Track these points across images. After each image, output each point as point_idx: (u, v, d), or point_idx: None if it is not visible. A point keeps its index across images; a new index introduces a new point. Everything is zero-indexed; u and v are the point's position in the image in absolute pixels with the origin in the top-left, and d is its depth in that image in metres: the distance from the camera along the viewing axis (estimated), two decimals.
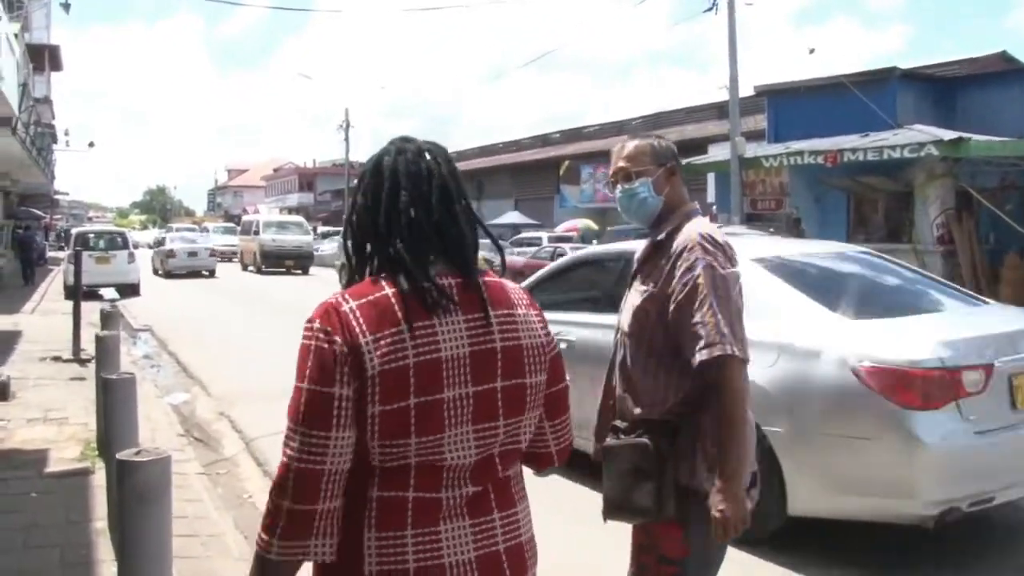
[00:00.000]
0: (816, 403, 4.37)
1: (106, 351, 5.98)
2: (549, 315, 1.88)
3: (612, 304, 5.11)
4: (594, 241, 26.55)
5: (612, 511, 2.55)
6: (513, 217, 34.83)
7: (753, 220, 20.67)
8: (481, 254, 1.78)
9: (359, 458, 1.55)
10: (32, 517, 4.87)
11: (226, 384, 9.45)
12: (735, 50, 19.28)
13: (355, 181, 1.79)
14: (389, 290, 1.56)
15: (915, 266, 13.25)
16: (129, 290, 20.69)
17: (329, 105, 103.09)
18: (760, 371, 4.08)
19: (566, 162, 34.11)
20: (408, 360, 1.52)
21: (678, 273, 2.42)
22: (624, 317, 2.65)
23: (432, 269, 1.59)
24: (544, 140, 43.39)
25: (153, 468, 2.69)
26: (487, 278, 1.68)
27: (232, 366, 10.58)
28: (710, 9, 19.49)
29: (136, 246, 25.88)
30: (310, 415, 1.51)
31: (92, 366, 9.35)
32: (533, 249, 24.38)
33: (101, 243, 22.61)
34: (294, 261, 31.36)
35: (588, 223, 30.13)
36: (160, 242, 32.85)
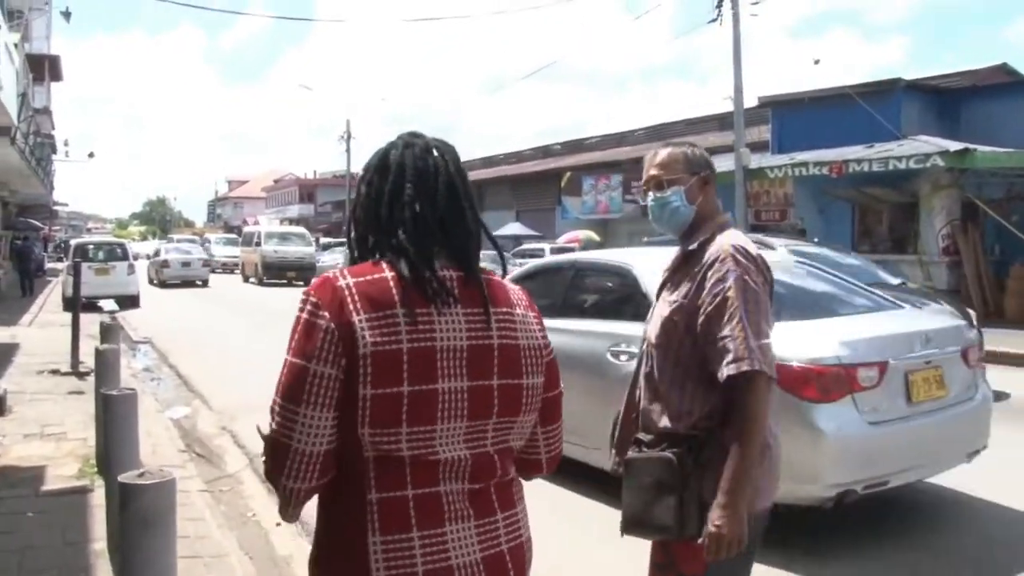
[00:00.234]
0: None
1: (106, 365, 5.82)
2: None
3: (561, 311, 5.85)
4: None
5: (631, 526, 2.47)
6: (515, 228, 34.63)
7: (757, 231, 20.60)
8: (483, 265, 1.72)
9: (352, 452, 1.52)
10: (28, 538, 4.70)
11: (228, 397, 9.27)
12: (739, 61, 19.19)
13: (360, 172, 1.75)
14: (389, 273, 1.55)
15: (921, 277, 13.08)
16: (129, 302, 20.50)
17: (330, 116, 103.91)
18: None
19: (567, 173, 33.96)
20: (402, 344, 1.50)
21: (708, 284, 2.37)
22: (652, 328, 2.58)
23: (435, 261, 1.58)
24: (545, 151, 43.29)
25: (157, 491, 2.54)
26: (488, 275, 1.66)
27: (233, 379, 10.41)
28: (714, 20, 19.39)
29: (136, 257, 25.75)
30: (286, 387, 1.51)
31: (91, 379, 9.19)
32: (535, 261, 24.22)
33: (100, 254, 22.44)
34: (296, 272, 31.15)
35: (590, 234, 29.98)
36: (157, 253, 33.32)
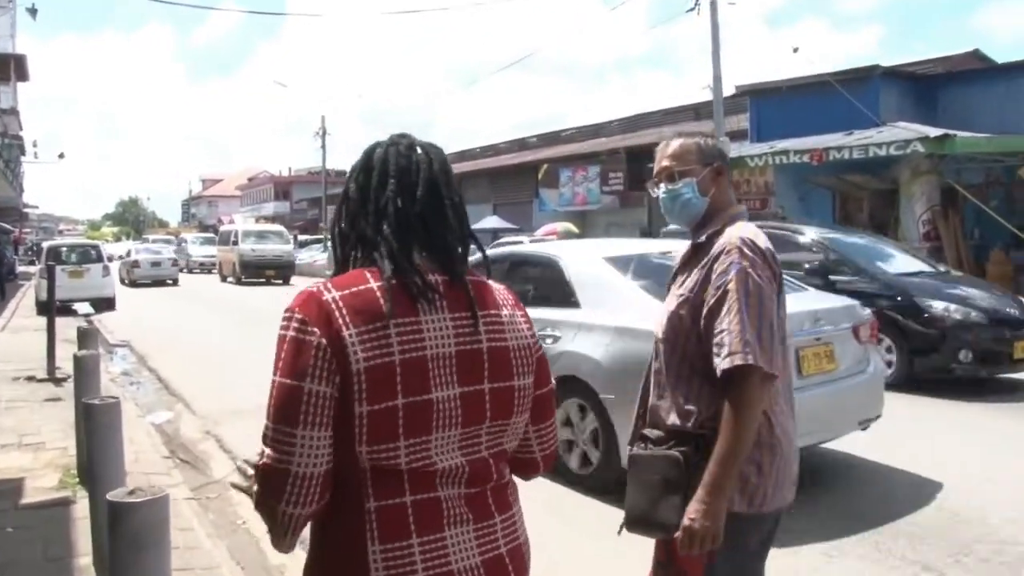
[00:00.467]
0: (638, 372, 4.82)
1: (85, 372, 5.64)
2: None
3: None
4: None
5: (633, 524, 2.41)
6: (492, 222, 34.43)
7: None
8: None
9: (348, 467, 1.49)
10: (8, 554, 4.50)
11: (210, 400, 9.08)
12: (718, 50, 19.14)
13: (345, 171, 1.68)
14: (374, 283, 1.52)
15: None
16: (104, 304, 20.15)
17: (304, 113, 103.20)
18: (600, 349, 5.44)
19: (544, 166, 33.86)
20: (394, 357, 1.47)
21: (713, 278, 2.31)
22: (660, 322, 2.50)
23: (417, 260, 1.57)
24: (522, 144, 43.15)
25: (149, 510, 2.39)
26: (472, 278, 1.64)
27: (215, 381, 10.21)
28: (692, 9, 19.32)
29: (111, 259, 25.38)
30: (279, 410, 1.47)
31: (68, 385, 8.97)
32: None
33: (74, 257, 22.03)
34: (275, 271, 30.87)
35: (568, 226, 29.90)
36: (128, 254, 33.77)
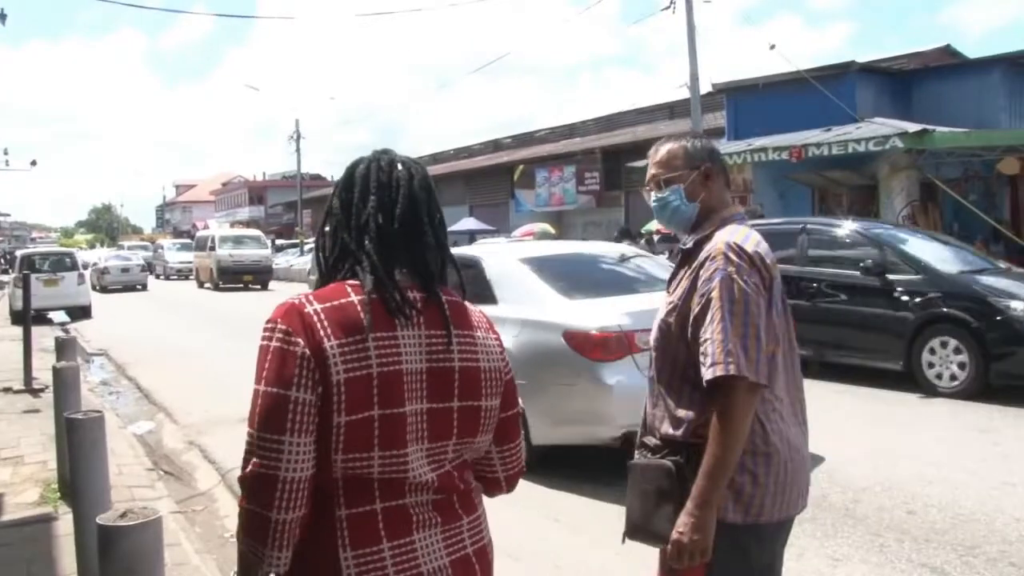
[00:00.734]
0: (543, 361, 5.88)
1: (65, 384, 5.49)
2: None
3: None
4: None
5: (632, 532, 2.37)
6: (469, 223, 34.26)
7: None
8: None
9: (321, 477, 1.52)
10: None
11: (193, 410, 8.92)
12: (695, 48, 19.16)
13: (322, 175, 1.62)
14: (355, 297, 1.56)
15: None
16: (80, 312, 19.90)
17: (278, 117, 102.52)
18: (509, 340, 5.57)
19: (520, 166, 33.78)
20: (372, 369, 1.51)
21: (699, 284, 2.25)
22: (653, 330, 2.45)
23: (398, 277, 1.60)
24: (496, 145, 43.01)
25: (142, 534, 2.27)
26: (449, 297, 1.67)
27: (197, 389, 10.05)
28: (668, 7, 19.29)
29: (85, 266, 25.05)
30: (265, 419, 1.49)
31: (46, 396, 8.81)
32: None
33: (48, 265, 21.73)
34: (253, 276, 30.46)
35: (545, 227, 29.82)
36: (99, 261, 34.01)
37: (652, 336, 2.44)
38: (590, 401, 5.72)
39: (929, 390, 8.60)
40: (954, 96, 18.71)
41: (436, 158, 47.54)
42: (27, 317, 10.40)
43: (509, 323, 5.85)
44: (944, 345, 8.63)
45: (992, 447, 6.58)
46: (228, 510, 5.73)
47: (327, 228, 1.71)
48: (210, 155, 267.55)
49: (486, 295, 6.31)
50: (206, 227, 54.12)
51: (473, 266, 6.66)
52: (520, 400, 1.92)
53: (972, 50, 30.40)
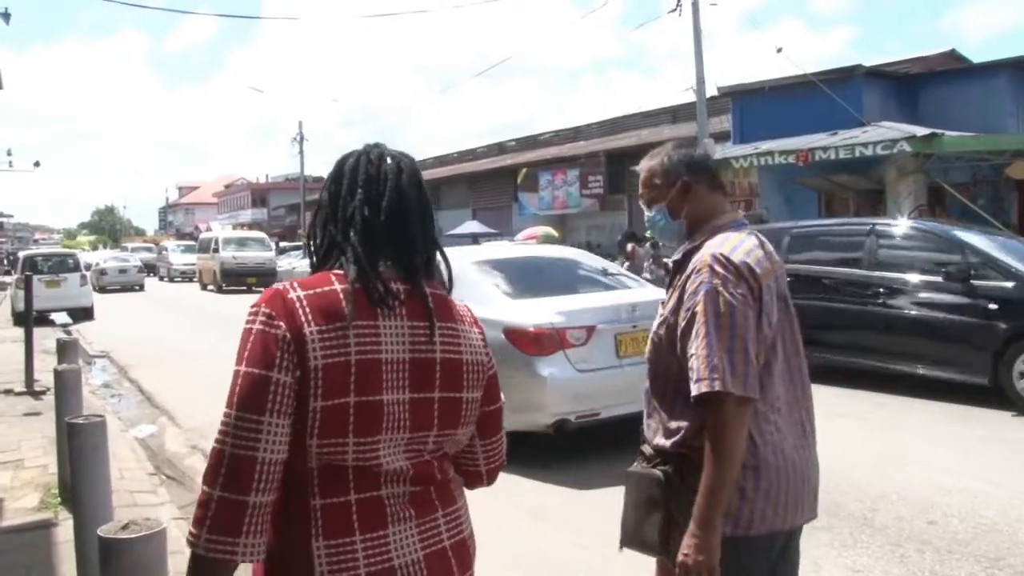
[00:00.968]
0: None
1: (66, 387, 5.39)
2: None
3: None
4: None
5: (626, 540, 2.39)
6: (472, 226, 34.19)
7: None
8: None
9: (297, 465, 1.53)
10: None
11: (195, 412, 8.81)
12: (701, 51, 19.07)
13: (325, 178, 1.77)
14: (338, 286, 1.57)
15: None
16: (82, 314, 19.82)
17: (281, 119, 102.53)
18: None
19: (523, 170, 33.66)
20: (350, 356, 1.52)
21: (685, 298, 2.23)
22: (648, 343, 2.47)
23: (382, 268, 1.62)
24: (500, 148, 42.88)
25: (145, 547, 2.16)
26: (433, 290, 1.69)
27: (200, 392, 9.90)
28: (674, 10, 19.21)
29: (88, 268, 24.99)
30: (245, 398, 1.50)
31: (47, 398, 8.72)
32: None
33: (51, 266, 21.67)
34: (256, 279, 30.34)
35: (548, 230, 29.66)
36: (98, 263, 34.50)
37: (647, 349, 2.46)
38: (527, 392, 6.12)
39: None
40: (961, 100, 18.63)
41: (440, 160, 47.45)
42: (29, 319, 10.31)
43: None
44: None
45: None
46: None
47: (317, 219, 1.73)
48: (213, 157, 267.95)
49: None
50: (209, 229, 54.09)
51: None
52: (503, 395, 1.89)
53: (974, 55, 30.45)
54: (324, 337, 1.52)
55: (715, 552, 2.08)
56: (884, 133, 16.66)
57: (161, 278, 40.78)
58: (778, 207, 19.97)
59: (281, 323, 1.52)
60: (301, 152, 47.96)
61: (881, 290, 9.15)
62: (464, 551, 1.70)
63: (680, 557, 2.11)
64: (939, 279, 8.70)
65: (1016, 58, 18.75)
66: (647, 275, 15.32)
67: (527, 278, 7.14)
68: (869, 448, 6.67)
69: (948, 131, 16.32)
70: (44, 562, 4.54)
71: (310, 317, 1.53)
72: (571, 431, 6.34)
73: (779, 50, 18.74)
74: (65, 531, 4.73)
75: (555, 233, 29.60)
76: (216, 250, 31.44)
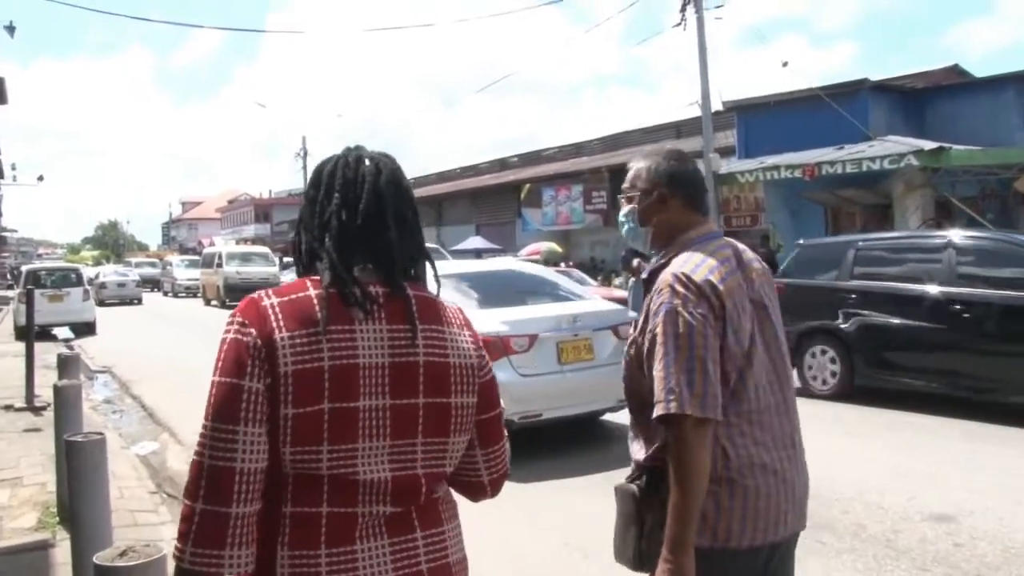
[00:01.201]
0: None
1: (66, 404, 5.26)
2: None
3: None
4: (562, 264, 26.14)
5: (615, 554, 2.35)
6: (476, 242, 34.10)
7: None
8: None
9: (272, 469, 1.50)
10: None
11: (198, 429, 8.53)
12: (706, 66, 19.00)
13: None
14: (313, 291, 1.55)
15: None
16: (84, 329, 19.71)
17: (284, 134, 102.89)
18: None
19: (527, 185, 33.63)
20: (323, 362, 1.48)
21: (649, 318, 2.21)
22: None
23: (359, 272, 1.58)
24: (502, 164, 42.90)
25: (143, 575, 2.04)
26: (418, 292, 1.65)
27: (202, 408, 9.74)
28: (679, 24, 19.14)
29: (91, 282, 24.90)
30: (219, 409, 1.47)
31: (48, 414, 8.58)
32: None
33: (53, 280, 21.57)
34: None
35: (552, 246, 29.65)
36: (97, 276, 35.21)
37: (622, 367, 2.44)
38: None
39: None
40: (968, 114, 18.54)
41: (442, 176, 47.47)
42: (30, 333, 10.18)
43: None
44: None
45: None
46: None
47: (298, 227, 1.72)
48: (216, 172, 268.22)
49: None
50: (212, 244, 54.01)
51: None
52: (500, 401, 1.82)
53: (976, 69, 30.48)
54: (296, 343, 1.49)
55: (687, 572, 2.05)
56: (891, 147, 16.58)
57: (165, 293, 40.61)
58: (784, 222, 19.88)
59: (252, 330, 1.50)
60: (304, 167, 47.92)
61: (956, 307, 8.30)
62: None
63: None
64: None
65: (1022, 72, 18.66)
66: None
67: (479, 291, 7.63)
68: (892, 467, 6.52)
69: (955, 145, 16.23)
70: None
71: (282, 323, 1.50)
72: (518, 431, 6.18)
73: (785, 64, 18.70)
74: (63, 552, 4.59)
75: (558, 249, 29.53)
76: (220, 265, 31.28)
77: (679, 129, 31.70)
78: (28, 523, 5.39)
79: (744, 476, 2.12)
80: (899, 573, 4.46)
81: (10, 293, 30.85)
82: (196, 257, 42.76)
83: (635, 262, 20.16)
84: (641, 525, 2.21)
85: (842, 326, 9.39)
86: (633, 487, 2.26)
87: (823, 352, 9.60)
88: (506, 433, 1.81)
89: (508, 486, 1.85)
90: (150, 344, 17.96)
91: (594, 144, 36.83)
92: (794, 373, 9.16)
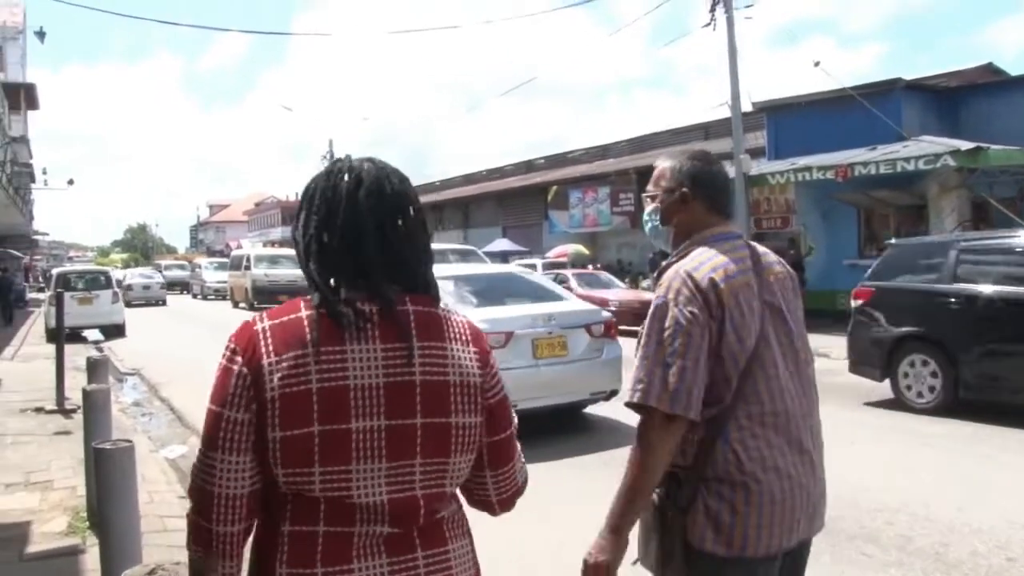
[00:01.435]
0: None
1: (95, 408, 5.21)
2: None
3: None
4: (589, 266, 25.99)
5: (639, 559, 2.33)
6: (503, 244, 34.03)
7: (759, 240, 20.12)
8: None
9: (273, 489, 1.52)
10: None
11: None
12: (736, 66, 18.74)
13: None
14: (304, 312, 1.53)
15: None
16: (114, 331, 19.84)
17: (311, 137, 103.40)
18: None
19: (554, 187, 33.49)
20: (311, 385, 1.47)
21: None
22: None
23: (348, 291, 1.54)
24: (529, 166, 42.77)
25: None
26: (418, 307, 1.58)
27: None
28: (708, 24, 18.93)
29: (120, 284, 25.07)
30: (205, 435, 1.52)
31: (78, 417, 8.56)
32: None
33: (83, 283, 21.73)
34: (288, 296, 30.03)
35: (579, 248, 29.56)
36: (123, 279, 35.44)
37: None
38: None
39: None
40: (1003, 113, 18.15)
41: (468, 179, 47.42)
42: (60, 336, 10.21)
43: None
44: None
45: None
46: None
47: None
48: (244, 175, 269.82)
49: None
50: (239, 247, 54.26)
51: None
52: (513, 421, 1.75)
53: (1012, 68, 29.78)
54: (283, 367, 1.48)
55: (616, 556, 2.10)
56: (926, 147, 16.28)
57: (195, 296, 40.82)
58: (815, 223, 19.62)
59: (240, 358, 1.51)
60: None
61: None
62: None
63: (586, 556, 2.12)
64: None
65: None
66: None
67: (464, 292, 8.31)
68: (943, 478, 6.35)
69: (992, 144, 15.92)
70: None
71: (271, 348, 1.50)
72: None
73: (816, 64, 18.22)
74: (92, 559, 4.54)
75: (585, 251, 29.41)
76: (248, 267, 31.34)
77: (707, 130, 31.46)
78: (58, 527, 5.35)
79: (757, 480, 2.09)
80: None
81: (42, 296, 31.20)
82: (224, 260, 42.95)
83: (663, 264, 20.09)
84: (662, 532, 2.19)
85: (945, 334, 8.63)
86: (652, 497, 2.21)
87: (923, 363, 8.83)
88: (519, 450, 1.76)
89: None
90: (179, 346, 18.00)
91: (621, 146, 36.65)
92: (885, 384, 9.10)
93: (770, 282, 2.22)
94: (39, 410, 9.75)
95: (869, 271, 10.13)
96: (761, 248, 2.33)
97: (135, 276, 38.14)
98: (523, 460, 1.77)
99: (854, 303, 9.79)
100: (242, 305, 31.62)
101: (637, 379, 2.10)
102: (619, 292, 20.10)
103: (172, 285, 43.76)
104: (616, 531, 2.10)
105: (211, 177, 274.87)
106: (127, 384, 13.15)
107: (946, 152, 15.45)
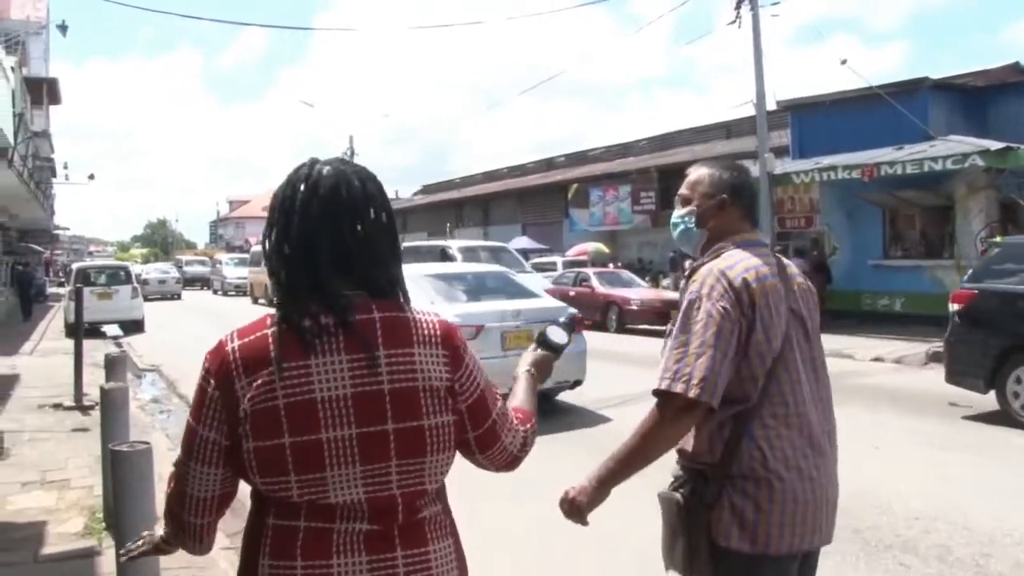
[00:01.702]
0: None
1: (112, 406, 5.12)
2: None
3: None
4: (609, 265, 25.83)
5: (665, 562, 2.37)
6: (522, 242, 33.88)
7: (781, 240, 19.92)
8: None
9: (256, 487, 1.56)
10: None
11: None
12: (761, 64, 18.55)
13: None
14: (269, 330, 1.55)
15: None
16: (133, 326, 19.85)
17: (331, 134, 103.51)
18: None
19: (574, 185, 33.37)
20: (278, 401, 1.49)
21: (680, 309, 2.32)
22: None
23: (312, 304, 1.54)
24: (549, 164, 42.67)
25: None
26: (384, 313, 1.57)
27: None
28: (733, 22, 18.73)
29: (139, 279, 25.12)
30: (183, 443, 1.58)
31: (96, 414, 8.50)
32: (553, 275, 23.15)
33: (103, 278, 21.77)
34: None
35: (599, 246, 29.43)
36: (140, 274, 35.47)
37: None
38: None
39: None
40: None
41: (489, 176, 47.36)
42: (79, 332, 10.13)
43: None
44: None
45: None
46: None
47: None
48: (263, 171, 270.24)
49: None
50: (259, 243, 54.32)
51: None
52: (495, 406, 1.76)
53: None
54: (253, 386, 1.50)
55: (595, 504, 2.25)
56: (954, 147, 16.03)
57: (215, 291, 40.90)
58: (840, 223, 19.40)
59: (212, 380, 1.54)
60: None
61: None
62: None
63: (569, 491, 2.26)
64: None
65: None
66: None
67: (443, 288, 9.15)
68: (982, 485, 6.18)
69: (1020, 145, 15.65)
70: None
71: (240, 369, 1.52)
72: None
73: (843, 62, 18.01)
74: (108, 561, 4.45)
75: (605, 249, 29.28)
76: None
77: (729, 129, 31.28)
78: (74, 528, 5.26)
79: (780, 478, 2.14)
80: None
81: (62, 290, 31.34)
82: (245, 255, 42.92)
83: (687, 263, 19.94)
84: (689, 530, 2.22)
85: None
86: (677, 496, 2.27)
87: None
88: (513, 423, 1.77)
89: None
90: (197, 342, 17.84)
91: (642, 144, 36.50)
92: (991, 396, 8.43)
93: (794, 290, 2.30)
94: (57, 406, 9.71)
95: (970, 272, 9.47)
96: (785, 260, 2.42)
97: (152, 271, 39.30)
98: (519, 429, 1.78)
99: (952, 307, 9.04)
100: (261, 301, 31.61)
101: (665, 368, 2.17)
102: (640, 291, 19.96)
103: (192, 281, 43.82)
104: (603, 484, 2.24)
105: (230, 173, 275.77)
106: (145, 380, 13.10)
107: (974, 152, 15.20)
